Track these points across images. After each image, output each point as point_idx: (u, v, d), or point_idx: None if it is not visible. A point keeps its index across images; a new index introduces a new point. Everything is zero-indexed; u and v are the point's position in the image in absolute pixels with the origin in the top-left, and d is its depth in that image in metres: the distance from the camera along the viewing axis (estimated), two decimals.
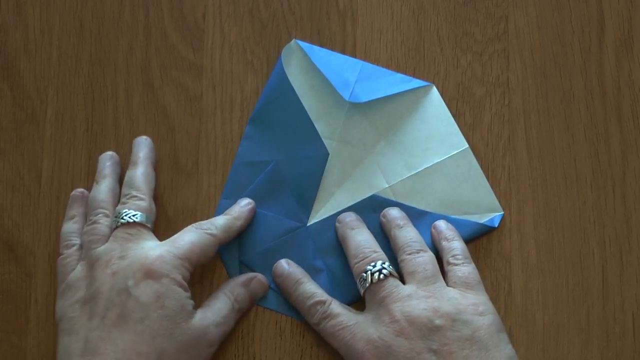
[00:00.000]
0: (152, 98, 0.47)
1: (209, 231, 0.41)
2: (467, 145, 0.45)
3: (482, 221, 0.44)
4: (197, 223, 0.42)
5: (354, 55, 0.47)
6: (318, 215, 0.45)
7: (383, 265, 0.40)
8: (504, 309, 0.43)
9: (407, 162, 0.45)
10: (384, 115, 0.46)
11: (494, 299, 0.41)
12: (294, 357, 0.43)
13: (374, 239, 0.42)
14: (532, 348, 0.42)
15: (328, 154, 0.45)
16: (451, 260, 0.41)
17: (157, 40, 0.48)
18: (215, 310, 0.41)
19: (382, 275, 0.40)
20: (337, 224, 0.44)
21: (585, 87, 0.46)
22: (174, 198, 0.46)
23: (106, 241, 0.41)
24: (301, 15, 0.48)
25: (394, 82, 0.46)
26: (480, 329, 0.38)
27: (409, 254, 0.41)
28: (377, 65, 0.47)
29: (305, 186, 0.45)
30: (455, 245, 0.42)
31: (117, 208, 0.42)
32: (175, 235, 0.41)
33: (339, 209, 0.45)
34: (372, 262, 0.41)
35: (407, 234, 0.42)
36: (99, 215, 0.42)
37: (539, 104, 0.46)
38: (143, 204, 0.42)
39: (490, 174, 0.45)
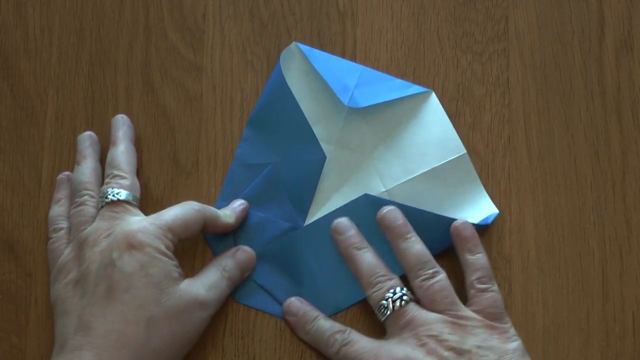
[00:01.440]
0: (152, 98, 0.47)
1: (195, 207, 0.42)
2: (465, 151, 0.45)
3: (476, 222, 0.43)
4: (188, 201, 0.42)
5: (354, 55, 0.47)
6: (314, 218, 0.45)
7: (403, 292, 0.40)
8: None
9: (405, 167, 0.45)
10: (383, 121, 0.46)
11: None
12: (294, 357, 0.43)
13: (381, 259, 0.42)
14: (532, 348, 0.42)
15: (325, 158, 0.45)
16: (477, 284, 0.41)
17: (157, 40, 0.48)
18: (204, 277, 0.42)
19: (403, 302, 0.40)
20: (337, 236, 0.43)
21: (585, 87, 0.46)
22: (174, 198, 0.46)
23: (93, 221, 0.42)
24: (301, 15, 0.48)
25: (394, 88, 0.46)
26: (506, 354, 0.38)
27: (424, 279, 0.40)
28: (377, 67, 0.47)
29: (302, 189, 0.45)
30: (480, 263, 0.41)
31: (101, 188, 0.43)
32: (162, 210, 0.42)
33: (335, 209, 0.45)
34: (390, 289, 0.40)
35: (415, 250, 0.41)
36: (85, 196, 0.43)
37: (539, 104, 0.46)
38: (126, 182, 0.43)
39: (490, 174, 0.45)
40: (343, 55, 0.47)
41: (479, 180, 0.45)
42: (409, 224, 0.42)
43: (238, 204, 0.44)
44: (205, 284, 0.41)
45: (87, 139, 0.46)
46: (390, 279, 0.41)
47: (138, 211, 0.42)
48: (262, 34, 0.48)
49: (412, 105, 0.46)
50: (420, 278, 0.40)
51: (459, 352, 0.38)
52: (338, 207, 0.45)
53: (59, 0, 0.49)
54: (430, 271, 0.41)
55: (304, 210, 0.45)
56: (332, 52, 0.47)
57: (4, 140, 0.47)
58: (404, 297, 0.40)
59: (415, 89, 0.46)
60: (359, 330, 0.41)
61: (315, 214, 0.45)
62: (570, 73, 0.46)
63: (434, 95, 0.46)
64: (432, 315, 0.39)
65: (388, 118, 0.46)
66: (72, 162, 0.46)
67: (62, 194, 0.45)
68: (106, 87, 0.47)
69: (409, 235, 0.42)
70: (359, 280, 0.42)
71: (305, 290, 0.44)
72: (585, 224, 0.44)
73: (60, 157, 0.47)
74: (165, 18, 0.48)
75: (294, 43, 0.47)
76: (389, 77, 0.47)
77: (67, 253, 0.42)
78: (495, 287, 0.41)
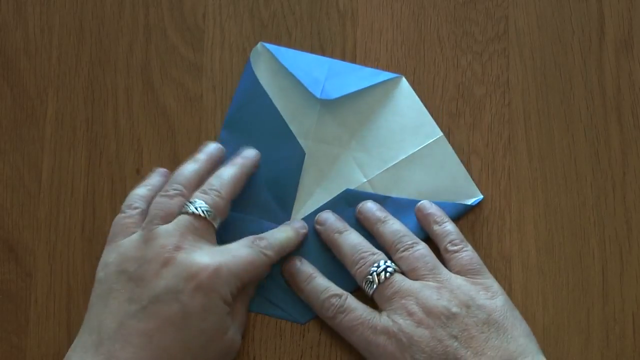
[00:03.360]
0: (152, 98, 0.47)
1: (265, 251, 0.41)
2: (442, 134, 0.45)
3: (461, 205, 0.44)
4: (255, 237, 0.41)
5: (354, 55, 0.47)
6: (299, 215, 0.45)
7: (386, 263, 0.41)
8: None
9: (383, 155, 0.45)
10: (356, 111, 0.46)
11: None
12: (294, 357, 0.43)
13: (364, 239, 0.42)
14: None
15: (304, 154, 0.45)
16: (449, 247, 0.42)
17: (157, 40, 0.48)
18: (239, 315, 0.42)
19: (387, 274, 0.40)
20: (318, 227, 0.44)
21: (585, 87, 0.46)
22: None
23: (171, 220, 0.40)
24: (301, 15, 0.48)
25: (364, 77, 0.46)
26: (495, 311, 0.39)
27: (404, 250, 0.41)
28: (377, 67, 0.47)
29: (284, 187, 0.45)
30: (448, 229, 0.42)
31: (195, 193, 0.41)
32: (232, 246, 0.40)
33: (319, 207, 0.45)
34: (374, 263, 0.41)
35: (393, 228, 0.42)
36: (176, 191, 0.41)
37: (539, 104, 0.46)
38: (221, 203, 0.41)
39: (490, 174, 0.45)
40: (343, 55, 0.47)
41: (459, 162, 0.45)
42: (385, 210, 0.43)
43: (302, 225, 0.44)
44: (239, 324, 0.41)
45: (216, 150, 0.44)
46: (373, 254, 0.41)
47: (213, 237, 0.41)
48: (262, 34, 0.48)
49: (384, 92, 0.46)
50: (399, 250, 0.41)
51: (449, 316, 0.38)
52: (322, 202, 0.45)
53: (58, 0, 0.49)
54: (409, 242, 0.41)
55: (288, 208, 0.45)
56: (332, 52, 0.47)
57: (4, 140, 0.47)
58: (388, 269, 0.40)
59: (385, 75, 0.46)
60: None
61: (300, 211, 0.45)
62: (570, 73, 0.46)
63: (404, 80, 0.46)
64: (417, 284, 0.40)
65: (361, 108, 0.46)
66: (72, 162, 0.46)
67: (153, 180, 0.43)
68: (106, 87, 0.47)
69: (385, 219, 0.42)
70: (343, 262, 0.42)
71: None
72: (585, 224, 0.44)
73: (60, 157, 0.47)
74: (165, 18, 0.48)
75: (260, 43, 0.47)
76: (358, 66, 0.47)
77: (133, 239, 0.40)
78: (469, 247, 0.42)
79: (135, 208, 0.42)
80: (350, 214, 0.44)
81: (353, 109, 0.46)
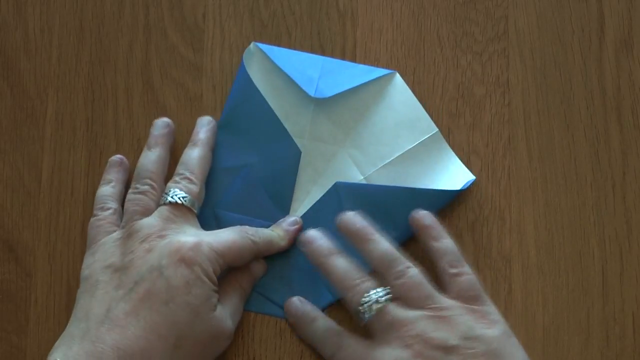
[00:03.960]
0: (152, 98, 0.47)
1: (252, 237, 0.41)
2: (437, 129, 0.45)
3: (454, 189, 0.44)
4: (243, 226, 0.42)
5: (354, 55, 0.47)
6: (297, 214, 0.45)
7: (378, 294, 0.39)
8: (504, 309, 0.43)
9: (379, 152, 0.45)
10: (351, 108, 0.46)
11: (494, 298, 0.41)
12: (294, 357, 0.43)
13: (352, 263, 0.41)
14: (532, 348, 0.42)
15: (300, 153, 0.45)
16: (448, 269, 0.40)
17: (157, 40, 0.48)
18: (230, 303, 0.41)
19: (380, 305, 0.39)
20: (304, 249, 0.42)
21: (585, 87, 0.46)
22: None
23: (149, 214, 0.41)
24: (301, 15, 0.48)
25: (357, 74, 0.46)
26: (493, 342, 0.38)
27: (396, 278, 0.39)
28: (377, 67, 0.47)
29: (281, 186, 0.45)
30: (446, 247, 0.41)
31: (167, 184, 0.42)
32: (218, 230, 0.42)
33: (313, 205, 0.45)
34: (365, 293, 0.39)
35: (381, 251, 0.40)
36: (147, 186, 0.42)
37: (539, 104, 0.46)
38: (194, 188, 0.42)
39: (490, 174, 0.45)
40: (343, 55, 0.47)
41: (454, 154, 0.45)
42: (368, 225, 0.41)
43: (291, 222, 0.44)
44: (230, 312, 0.41)
45: (164, 127, 0.45)
46: (363, 282, 0.39)
47: (196, 221, 0.42)
48: (262, 34, 0.48)
49: (378, 88, 0.46)
50: (392, 277, 0.39)
51: (447, 349, 0.37)
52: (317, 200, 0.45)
53: (59, 0, 0.49)
54: (401, 268, 0.39)
55: (286, 207, 0.45)
56: (332, 52, 0.47)
57: (4, 140, 0.47)
58: (380, 300, 0.39)
59: (379, 71, 0.46)
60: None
61: (297, 209, 0.45)
62: (570, 73, 0.46)
63: (398, 76, 0.46)
64: (412, 313, 0.38)
65: (356, 105, 0.46)
66: (72, 162, 0.46)
67: (113, 176, 0.44)
68: (106, 87, 0.47)
69: (371, 237, 0.41)
70: (333, 286, 0.41)
71: (296, 288, 0.44)
72: (585, 224, 0.44)
73: (60, 157, 0.47)
74: (165, 18, 0.48)
75: (252, 43, 0.47)
76: (352, 63, 0.47)
77: (114, 236, 0.41)
78: (468, 269, 0.40)
79: (108, 209, 0.43)
80: (346, 207, 0.43)
81: (348, 107, 0.46)
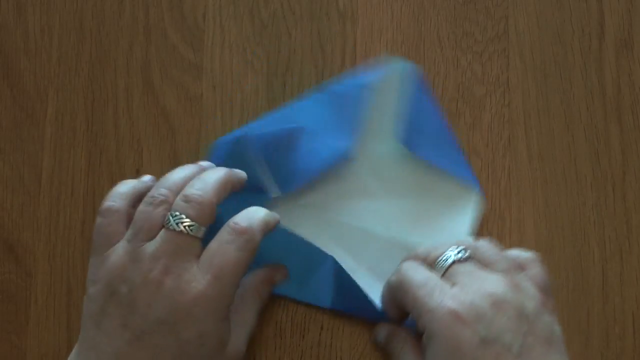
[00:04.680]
0: (152, 98, 0.47)
1: (248, 236, 0.37)
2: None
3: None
4: (232, 223, 0.37)
5: (354, 55, 0.47)
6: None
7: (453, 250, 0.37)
8: None
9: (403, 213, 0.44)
10: (416, 180, 0.44)
11: None
12: (294, 357, 0.43)
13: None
14: None
15: (349, 151, 0.44)
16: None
17: (157, 40, 0.48)
18: (245, 324, 0.40)
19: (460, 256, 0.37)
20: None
21: (585, 87, 0.46)
22: None
23: (154, 235, 0.37)
24: (301, 15, 0.48)
25: (449, 156, 0.44)
26: None
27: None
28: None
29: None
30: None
31: (175, 201, 0.37)
32: (215, 250, 0.37)
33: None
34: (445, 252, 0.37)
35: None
36: (162, 196, 0.37)
37: (539, 104, 0.46)
38: (205, 211, 0.37)
39: (490, 174, 0.45)
40: (343, 55, 0.47)
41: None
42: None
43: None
44: (245, 333, 0.40)
45: (208, 165, 0.41)
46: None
47: (200, 249, 0.37)
48: (262, 34, 0.48)
49: (451, 191, 0.44)
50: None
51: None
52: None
53: (59, 0, 0.49)
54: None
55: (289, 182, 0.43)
56: (332, 52, 0.47)
57: (4, 140, 0.47)
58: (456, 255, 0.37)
59: (467, 177, 0.44)
60: None
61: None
62: (570, 73, 0.46)
63: (478, 196, 0.44)
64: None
65: (422, 182, 0.44)
66: (72, 162, 0.46)
67: (138, 182, 0.41)
68: (106, 87, 0.47)
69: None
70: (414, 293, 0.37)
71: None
72: (585, 224, 0.44)
73: (60, 157, 0.47)
74: (165, 18, 0.48)
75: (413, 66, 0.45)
76: (454, 143, 0.45)
77: (119, 253, 0.37)
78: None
79: (116, 211, 0.39)
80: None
81: (415, 176, 0.44)
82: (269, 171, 0.43)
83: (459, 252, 0.37)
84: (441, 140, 0.44)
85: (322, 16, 0.48)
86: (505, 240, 0.44)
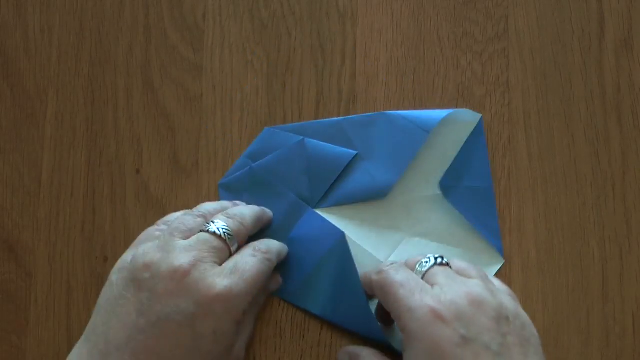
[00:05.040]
0: (152, 98, 0.47)
1: (268, 256, 0.40)
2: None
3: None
4: (254, 245, 0.41)
5: (354, 55, 0.47)
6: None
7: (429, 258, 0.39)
8: None
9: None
10: (446, 216, 0.45)
11: None
12: (294, 357, 0.43)
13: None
14: None
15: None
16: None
17: (157, 40, 0.48)
18: (247, 330, 0.41)
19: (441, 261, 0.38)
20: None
21: (585, 87, 0.46)
22: (174, 198, 0.46)
23: (189, 236, 0.39)
24: (301, 15, 0.48)
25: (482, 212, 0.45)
26: None
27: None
28: (377, 66, 0.47)
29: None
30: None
31: (218, 215, 0.41)
32: (239, 260, 0.39)
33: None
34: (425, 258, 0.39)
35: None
36: (200, 213, 0.41)
37: (539, 104, 0.46)
38: (243, 230, 0.40)
39: (491, 173, 0.45)
40: (343, 55, 0.47)
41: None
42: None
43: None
44: (246, 338, 0.41)
45: (264, 215, 0.44)
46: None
47: (228, 256, 0.40)
48: (262, 34, 0.48)
49: (475, 247, 0.45)
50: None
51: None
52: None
53: (59, 0, 0.49)
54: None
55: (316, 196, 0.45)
56: (332, 52, 0.47)
57: (4, 140, 0.47)
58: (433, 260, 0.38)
59: (493, 241, 0.44)
60: None
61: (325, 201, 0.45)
62: (570, 73, 0.46)
63: (500, 261, 0.44)
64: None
65: (450, 232, 0.45)
66: (72, 162, 0.46)
67: (193, 214, 0.42)
68: (106, 87, 0.47)
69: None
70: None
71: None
72: (585, 224, 0.44)
73: (60, 157, 0.47)
74: (165, 18, 0.48)
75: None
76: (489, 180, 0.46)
77: (151, 245, 0.38)
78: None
79: (168, 222, 0.41)
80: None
81: (450, 210, 0.45)
82: (308, 181, 0.45)
83: (438, 257, 0.38)
84: (481, 199, 0.45)
85: (322, 16, 0.48)
86: (505, 240, 0.44)
